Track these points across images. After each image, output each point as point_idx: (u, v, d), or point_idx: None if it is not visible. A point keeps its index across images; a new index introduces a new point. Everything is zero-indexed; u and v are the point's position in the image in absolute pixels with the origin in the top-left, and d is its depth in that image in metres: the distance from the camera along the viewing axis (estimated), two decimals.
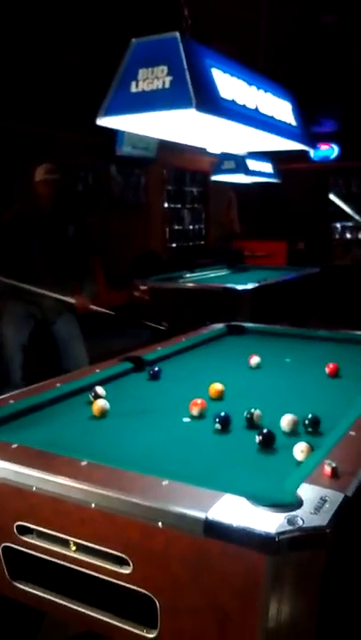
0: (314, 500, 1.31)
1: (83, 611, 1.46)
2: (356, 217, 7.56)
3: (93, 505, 1.39)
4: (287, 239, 11.05)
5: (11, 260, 4.02)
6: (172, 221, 10.40)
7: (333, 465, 1.44)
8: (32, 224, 4.03)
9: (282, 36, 4.84)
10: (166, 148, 8.48)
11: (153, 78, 1.76)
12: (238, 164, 5.78)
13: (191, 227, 11.03)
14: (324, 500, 1.31)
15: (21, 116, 6.68)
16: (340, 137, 10.65)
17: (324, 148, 11.04)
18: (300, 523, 1.22)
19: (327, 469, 1.43)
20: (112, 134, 7.59)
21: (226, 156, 5.77)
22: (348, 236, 12.41)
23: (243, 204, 11.37)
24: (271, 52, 3.87)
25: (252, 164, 5.99)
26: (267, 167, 6.42)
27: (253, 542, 1.20)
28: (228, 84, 1.99)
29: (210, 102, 1.82)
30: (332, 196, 5.32)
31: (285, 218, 12.03)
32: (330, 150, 11.09)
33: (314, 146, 9.21)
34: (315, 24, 5.15)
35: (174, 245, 10.38)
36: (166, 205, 10.13)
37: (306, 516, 1.24)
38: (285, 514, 1.24)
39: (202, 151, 6.21)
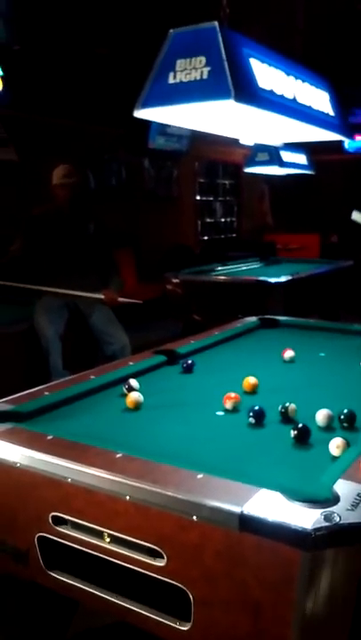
0: (350, 497, 1.29)
1: (116, 601, 1.47)
2: None
3: (128, 497, 1.39)
4: (320, 232, 10.91)
5: (36, 263, 4.10)
6: (203, 214, 10.37)
7: None
8: (52, 226, 4.10)
9: (318, 23, 4.77)
10: (199, 140, 8.44)
11: (191, 69, 1.75)
12: (272, 155, 5.72)
13: (223, 219, 10.97)
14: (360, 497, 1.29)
15: (54, 110, 6.72)
16: None
17: (358, 138, 10.85)
18: (337, 519, 1.20)
19: None
20: (145, 127, 7.58)
21: (259, 148, 5.72)
22: None
23: (275, 197, 11.27)
24: (308, 40, 3.82)
25: (286, 156, 5.94)
26: (301, 159, 6.35)
27: (289, 538, 1.19)
28: (267, 74, 1.96)
29: (248, 93, 1.80)
30: (354, 216, 5.18)
31: (319, 210, 11.88)
32: None
33: (351, 136, 9.06)
34: (351, 10, 5.05)
35: (206, 238, 10.35)
36: (198, 198, 10.10)
37: (342, 513, 1.22)
38: (322, 510, 1.23)
39: (234, 143, 6.18)
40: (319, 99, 2.45)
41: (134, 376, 2.29)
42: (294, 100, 2.14)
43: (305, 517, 1.21)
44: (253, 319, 3.42)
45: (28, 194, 5.73)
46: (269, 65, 1.97)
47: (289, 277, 5.04)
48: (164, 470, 1.45)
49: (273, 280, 4.90)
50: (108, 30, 5.16)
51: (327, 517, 1.21)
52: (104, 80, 6.34)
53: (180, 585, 1.35)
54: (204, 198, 10.30)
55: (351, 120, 9.45)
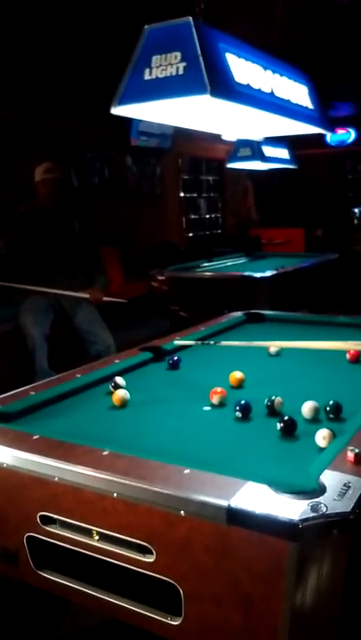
0: (337, 487, 1.30)
1: (107, 599, 1.47)
2: None
3: (115, 494, 1.39)
4: (305, 226, 10.95)
5: (21, 261, 4.08)
6: (188, 211, 10.36)
7: (356, 451, 1.43)
8: (36, 224, 4.08)
9: (297, 17, 4.77)
10: (181, 137, 8.44)
11: (167, 65, 1.75)
12: (254, 150, 5.73)
13: (208, 215, 10.98)
14: (347, 487, 1.30)
15: (35, 109, 6.68)
16: (356, 121, 10.49)
17: (340, 132, 10.90)
18: (324, 509, 1.21)
19: (350, 455, 1.42)
20: (127, 125, 7.57)
21: (241, 143, 5.73)
22: None
23: (259, 191, 11.29)
24: (287, 33, 3.82)
25: (269, 151, 5.95)
26: (283, 153, 6.37)
27: (277, 529, 1.20)
28: (243, 69, 1.96)
29: (224, 87, 1.80)
30: None
31: (303, 204, 11.92)
32: (347, 134, 10.95)
33: (331, 129, 9.09)
34: (330, 4, 5.06)
35: (191, 235, 10.35)
36: (182, 195, 10.09)
37: (329, 503, 1.23)
38: (309, 501, 1.24)
39: (217, 139, 6.18)
40: (298, 92, 2.46)
41: (120, 373, 2.29)
42: (272, 94, 2.15)
43: (292, 509, 1.22)
44: (239, 314, 3.42)
45: (11, 192, 5.70)
46: (246, 59, 1.97)
47: (274, 272, 5.05)
48: (152, 466, 1.45)
49: (258, 275, 4.92)
50: (89, 28, 5.13)
51: (314, 508, 1.22)
52: (85, 78, 6.31)
53: (170, 580, 1.35)
54: (188, 195, 10.30)
55: (332, 114, 9.48)
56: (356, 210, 12.27)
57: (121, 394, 2.03)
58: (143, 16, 2.35)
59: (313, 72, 2.84)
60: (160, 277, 5.38)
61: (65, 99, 6.73)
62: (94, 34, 5.23)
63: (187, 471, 1.40)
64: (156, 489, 1.35)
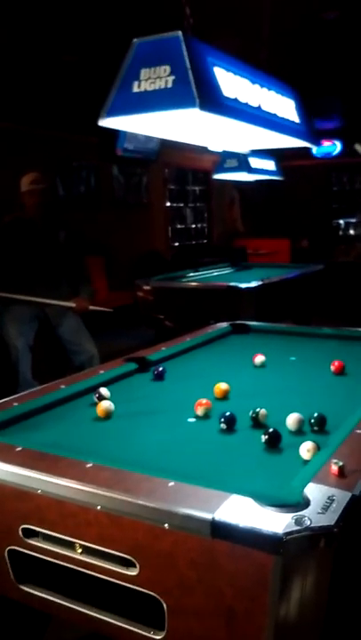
0: (321, 500, 1.30)
1: (89, 613, 1.46)
2: None
3: (99, 507, 1.38)
4: (291, 236, 11.04)
5: (6, 271, 4.06)
6: (174, 220, 10.40)
7: (340, 464, 1.43)
8: (22, 234, 4.07)
9: (284, 32, 4.83)
10: (168, 147, 8.47)
11: (155, 78, 1.76)
12: (241, 162, 5.77)
13: (194, 225, 11.02)
14: (331, 500, 1.30)
15: (22, 117, 6.69)
16: (342, 133, 10.61)
17: (326, 144, 11.01)
18: (308, 523, 1.21)
19: (334, 468, 1.43)
20: (113, 135, 7.58)
21: (228, 155, 5.76)
22: (352, 232, 12.39)
23: (246, 202, 11.36)
24: (274, 48, 3.86)
25: (255, 162, 5.99)
26: (269, 165, 6.41)
27: (261, 543, 1.19)
28: (231, 83, 1.98)
29: (213, 101, 1.81)
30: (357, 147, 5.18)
31: (289, 215, 12.02)
32: (332, 147, 11.06)
33: (317, 143, 9.17)
34: (316, 19, 5.13)
35: (177, 244, 10.38)
36: (168, 204, 10.12)
37: (313, 516, 1.23)
38: (293, 514, 1.24)
39: (203, 150, 6.22)
40: (285, 106, 2.49)
41: (105, 384, 2.28)
42: (259, 107, 2.17)
43: (276, 522, 1.21)
44: (225, 325, 3.43)
45: None
46: (234, 73, 1.99)
47: (260, 282, 5.07)
48: (136, 479, 1.44)
49: (244, 285, 4.93)
50: (76, 38, 5.15)
51: (298, 521, 1.22)
52: (72, 87, 6.33)
53: (153, 594, 1.34)
54: (174, 205, 10.34)
55: (318, 126, 9.58)
56: (342, 221, 12.40)
57: (105, 405, 2.02)
58: (132, 28, 2.37)
59: (299, 86, 2.87)
60: (145, 287, 5.38)
61: (51, 108, 6.74)
62: (82, 44, 5.25)
63: (171, 484, 1.39)
64: (141, 502, 1.34)
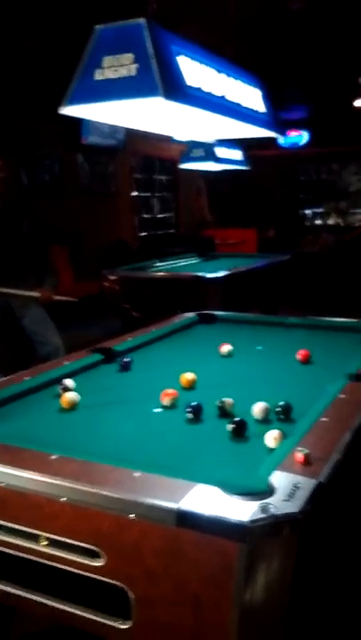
0: (286, 488, 1.31)
1: (55, 605, 1.45)
2: None
3: (64, 499, 1.37)
4: (258, 226, 11.10)
5: None
6: (141, 210, 10.34)
7: (306, 452, 1.45)
8: None
9: (250, 23, 4.82)
10: (134, 136, 8.41)
11: (118, 66, 1.73)
12: (207, 151, 5.77)
13: (161, 215, 10.98)
14: (296, 487, 1.31)
15: None
16: (309, 123, 10.69)
17: (293, 134, 11.07)
18: (273, 510, 1.22)
19: (299, 456, 1.44)
20: (78, 123, 7.49)
21: (195, 144, 5.75)
22: (319, 222, 12.52)
23: (213, 192, 11.37)
24: (239, 37, 3.86)
25: (221, 152, 5.99)
26: (236, 154, 6.42)
27: (226, 531, 1.20)
28: (196, 72, 1.97)
29: (177, 90, 1.80)
30: None
31: (256, 205, 12.07)
32: (299, 137, 11.13)
33: (283, 133, 9.21)
34: (282, 10, 5.14)
35: (144, 234, 10.33)
36: (135, 194, 10.06)
37: (278, 504, 1.24)
38: (258, 502, 1.25)
39: (170, 139, 6.19)
40: (250, 96, 2.48)
41: (70, 375, 2.26)
42: (224, 97, 2.16)
43: (242, 510, 1.22)
44: (191, 315, 3.43)
45: None
46: (199, 62, 1.98)
47: (227, 272, 5.09)
48: (101, 470, 1.43)
49: (211, 275, 4.94)
50: (38, 24, 5.06)
51: (264, 509, 1.23)
52: (36, 74, 6.22)
53: (119, 584, 1.34)
54: (140, 194, 10.28)
55: (285, 116, 9.63)
56: (308, 211, 12.52)
57: (70, 396, 2.00)
58: (95, 14, 2.33)
59: (265, 76, 2.87)
60: (112, 277, 5.35)
61: (14, 95, 6.61)
62: (44, 30, 5.16)
63: (137, 474, 1.39)
64: (106, 493, 1.33)
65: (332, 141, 10.87)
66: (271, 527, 1.21)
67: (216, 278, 4.93)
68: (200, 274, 5.06)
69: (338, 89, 8.47)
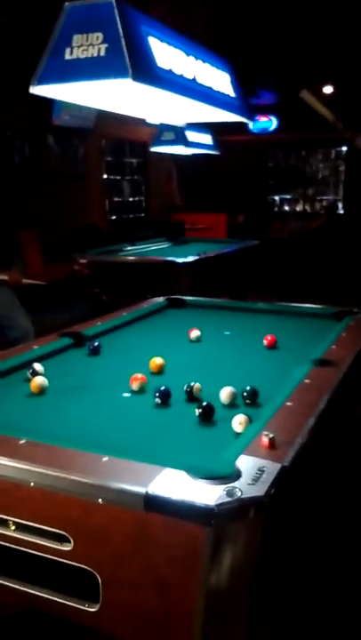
0: (252, 471, 1.33)
1: (22, 589, 1.45)
2: None
3: (32, 484, 1.37)
4: (227, 212, 11.10)
5: None
6: (111, 193, 10.24)
7: (271, 436, 1.47)
8: None
9: (219, 4, 4.78)
10: (105, 117, 8.30)
11: (88, 45, 1.71)
12: (178, 135, 5.74)
13: (131, 199, 10.90)
14: (261, 471, 1.33)
15: None
16: (279, 109, 10.69)
17: (263, 119, 11.06)
18: (239, 494, 1.24)
19: (265, 440, 1.46)
20: (48, 103, 7.35)
21: (165, 127, 5.71)
22: (287, 208, 12.59)
23: (183, 176, 11.32)
24: (209, 20, 3.83)
25: (192, 136, 5.97)
26: (206, 139, 6.40)
27: (193, 515, 1.22)
28: (166, 54, 1.95)
29: (146, 72, 1.78)
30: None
31: (225, 190, 12.07)
32: (268, 122, 11.13)
33: (252, 118, 9.20)
34: None
35: (114, 218, 10.25)
36: (105, 177, 9.96)
37: (244, 487, 1.26)
38: (224, 486, 1.26)
39: (141, 122, 6.13)
40: (220, 80, 2.47)
41: (39, 360, 2.24)
42: (194, 80, 2.14)
43: (208, 494, 1.24)
44: (161, 300, 3.43)
45: None
46: (169, 44, 1.96)
47: (196, 257, 5.09)
48: (70, 454, 1.43)
49: (180, 260, 4.94)
50: None
51: (229, 493, 1.24)
52: (2, 52, 6.07)
53: (87, 568, 1.35)
54: (111, 177, 10.17)
55: (255, 102, 9.61)
56: (277, 197, 12.57)
57: (39, 381, 1.99)
58: None
59: (235, 60, 2.86)
60: (82, 260, 5.31)
61: None
62: (11, 5, 5.03)
63: (105, 459, 1.40)
64: (74, 477, 1.34)
65: (301, 127, 10.89)
66: (237, 510, 1.22)
67: (186, 263, 4.93)
68: (170, 258, 5.05)
69: (307, 75, 8.48)
